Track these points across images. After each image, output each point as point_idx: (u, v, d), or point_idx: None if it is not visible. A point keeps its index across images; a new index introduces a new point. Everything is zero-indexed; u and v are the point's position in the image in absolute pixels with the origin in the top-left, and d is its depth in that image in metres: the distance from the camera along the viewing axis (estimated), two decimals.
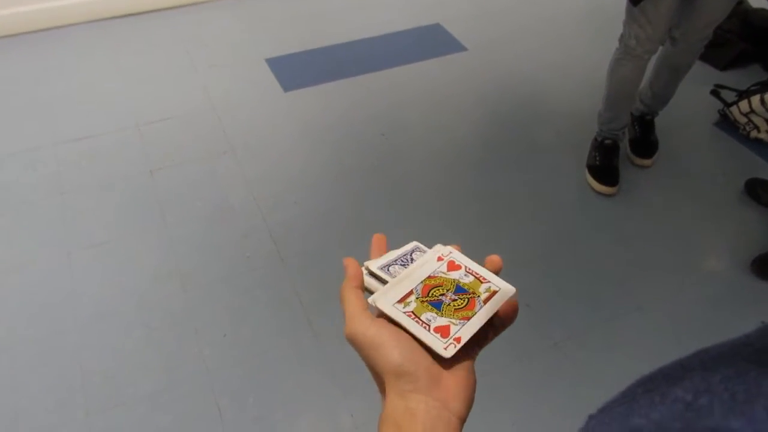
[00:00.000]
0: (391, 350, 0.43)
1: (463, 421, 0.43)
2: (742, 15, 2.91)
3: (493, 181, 2.34)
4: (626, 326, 1.85)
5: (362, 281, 0.51)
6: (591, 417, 0.27)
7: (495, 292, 0.50)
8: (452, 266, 0.53)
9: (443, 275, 0.52)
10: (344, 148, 2.46)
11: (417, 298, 0.49)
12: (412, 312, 0.47)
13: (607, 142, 2.31)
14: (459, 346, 0.45)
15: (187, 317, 1.85)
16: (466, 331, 0.46)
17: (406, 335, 0.45)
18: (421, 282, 0.51)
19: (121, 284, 1.94)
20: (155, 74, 2.84)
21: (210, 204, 2.21)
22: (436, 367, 0.44)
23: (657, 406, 0.24)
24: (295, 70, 2.87)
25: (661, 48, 2.16)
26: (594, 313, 1.89)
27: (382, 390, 0.45)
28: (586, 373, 1.73)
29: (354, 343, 0.46)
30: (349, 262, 0.51)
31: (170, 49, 2.99)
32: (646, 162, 2.40)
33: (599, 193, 2.27)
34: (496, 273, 0.53)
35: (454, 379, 0.44)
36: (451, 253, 0.54)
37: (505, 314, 0.50)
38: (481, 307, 0.48)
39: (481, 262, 0.54)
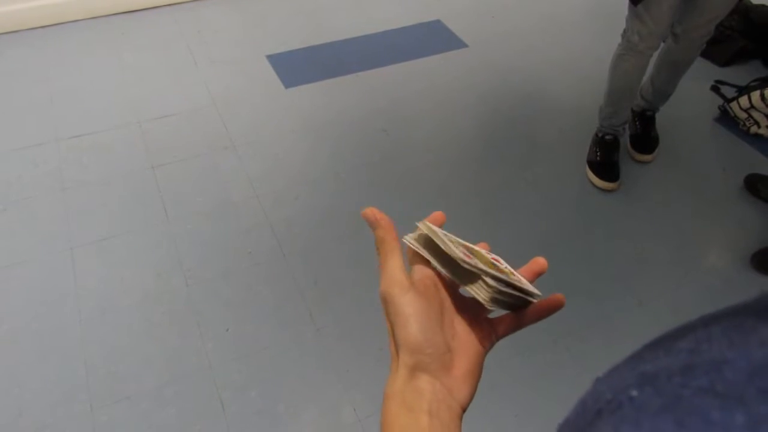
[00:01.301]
0: (416, 326, 0.44)
1: (464, 409, 0.44)
2: (743, 11, 2.91)
3: (494, 176, 2.35)
4: (627, 321, 1.86)
5: (395, 234, 0.48)
6: (598, 379, 0.28)
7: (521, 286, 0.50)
8: (495, 259, 0.53)
9: (485, 254, 0.52)
10: (345, 145, 2.47)
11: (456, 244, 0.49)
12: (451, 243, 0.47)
13: (607, 137, 2.32)
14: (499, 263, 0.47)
15: (190, 312, 1.86)
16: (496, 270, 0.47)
17: (435, 314, 0.45)
18: (464, 245, 0.51)
19: (124, 280, 1.94)
20: (157, 70, 2.84)
21: (212, 200, 2.21)
22: (448, 356, 0.45)
23: (662, 358, 0.26)
24: (296, 67, 2.88)
25: (662, 44, 2.17)
26: (595, 307, 1.90)
27: (394, 357, 0.45)
28: (587, 368, 1.74)
29: (385, 302, 0.46)
30: (371, 212, 0.48)
31: (172, 46, 2.99)
32: (647, 157, 2.41)
33: (599, 188, 2.28)
34: (540, 274, 0.54)
35: (462, 369, 0.45)
36: (498, 259, 0.55)
37: (549, 306, 0.51)
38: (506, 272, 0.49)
39: (524, 262, 0.55)
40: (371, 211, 0.48)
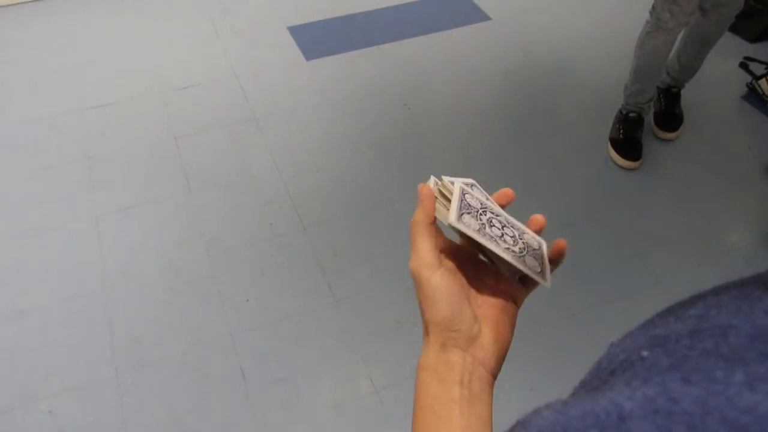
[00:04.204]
0: (444, 305, 0.46)
1: (495, 376, 0.46)
2: None
3: (516, 152, 2.34)
4: (644, 299, 1.86)
5: (434, 218, 0.50)
6: (612, 344, 0.30)
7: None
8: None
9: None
10: (366, 118, 2.46)
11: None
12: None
13: (632, 115, 2.29)
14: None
15: (211, 282, 1.89)
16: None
17: (463, 289, 0.48)
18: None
19: (147, 249, 1.98)
20: (179, 41, 2.85)
21: (233, 171, 2.24)
22: (476, 327, 0.47)
23: (672, 324, 0.28)
24: (317, 39, 2.87)
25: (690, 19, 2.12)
26: (613, 285, 1.90)
27: (426, 329, 0.48)
28: (603, 345, 1.73)
29: (416, 281, 0.48)
30: (426, 194, 0.50)
31: (194, 16, 3.00)
32: (671, 135, 2.38)
33: (621, 167, 2.26)
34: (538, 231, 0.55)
35: (490, 336, 0.47)
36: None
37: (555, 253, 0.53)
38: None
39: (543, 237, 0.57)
40: (426, 190, 0.50)
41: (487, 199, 0.54)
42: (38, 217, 2.07)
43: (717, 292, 0.29)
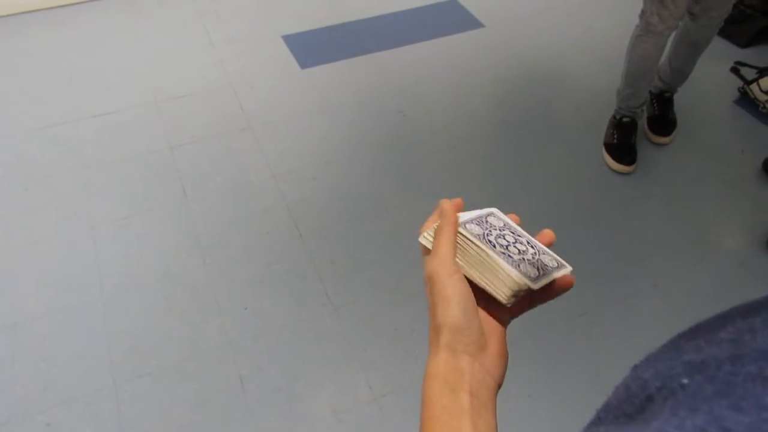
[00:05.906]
0: (458, 308, 0.46)
1: (499, 386, 0.47)
2: None
3: (510, 158, 2.35)
4: (642, 303, 1.87)
5: (456, 228, 0.52)
6: (636, 366, 0.30)
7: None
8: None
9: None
10: (361, 125, 2.47)
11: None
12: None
13: (625, 120, 2.31)
14: None
15: (209, 291, 1.89)
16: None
17: (473, 302, 0.48)
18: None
19: (144, 258, 1.98)
20: (174, 51, 2.86)
21: (229, 180, 2.24)
22: (483, 338, 0.47)
23: (704, 348, 0.27)
24: (312, 47, 2.88)
25: (680, 23, 2.14)
26: (609, 289, 1.91)
27: (434, 338, 0.48)
28: (601, 349, 1.75)
29: (431, 281, 0.48)
30: (448, 207, 0.52)
31: (189, 25, 3.00)
32: (664, 140, 2.39)
33: (616, 171, 2.27)
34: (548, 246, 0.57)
35: (494, 348, 0.48)
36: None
37: (558, 288, 0.54)
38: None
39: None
40: (446, 205, 0.52)
41: (502, 220, 0.58)
42: (34, 227, 2.07)
43: (745, 314, 0.29)
